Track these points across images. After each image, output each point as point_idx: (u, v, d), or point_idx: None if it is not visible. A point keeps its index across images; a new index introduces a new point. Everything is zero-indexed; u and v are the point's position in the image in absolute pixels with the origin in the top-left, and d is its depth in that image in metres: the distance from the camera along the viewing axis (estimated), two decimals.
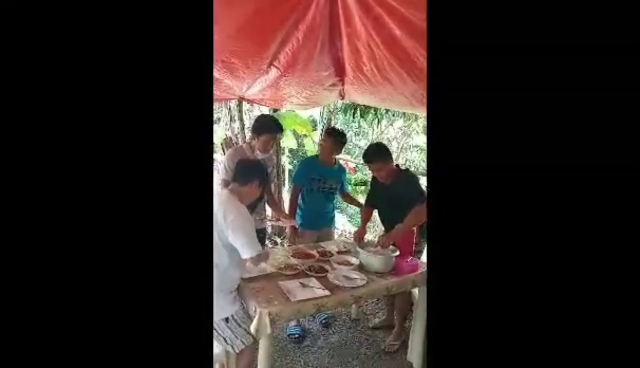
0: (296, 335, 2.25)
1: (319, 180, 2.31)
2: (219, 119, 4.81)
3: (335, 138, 2.32)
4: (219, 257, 1.43)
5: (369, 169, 2.14)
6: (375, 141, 3.50)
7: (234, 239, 1.41)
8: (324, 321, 2.42)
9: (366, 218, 2.32)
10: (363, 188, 4.88)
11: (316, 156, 2.47)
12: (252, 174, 1.57)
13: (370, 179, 2.35)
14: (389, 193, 2.02)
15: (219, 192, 1.62)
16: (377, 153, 2.03)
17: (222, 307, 1.45)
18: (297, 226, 2.32)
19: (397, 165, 2.12)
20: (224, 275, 1.46)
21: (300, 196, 2.36)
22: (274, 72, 2.21)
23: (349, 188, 3.58)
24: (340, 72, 2.39)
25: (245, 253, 1.42)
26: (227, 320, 1.47)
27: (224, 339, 1.47)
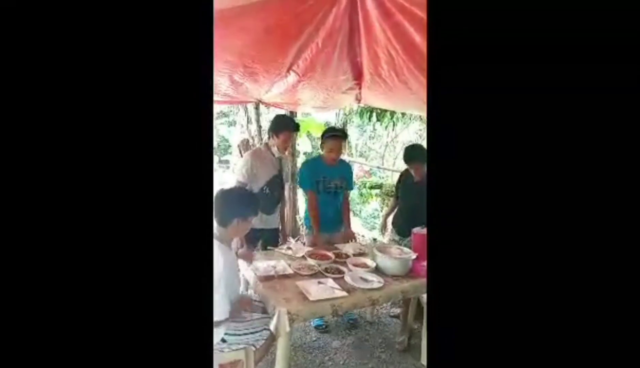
0: (323, 327, 2.37)
1: (324, 180, 2.31)
2: (235, 122, 4.89)
3: (337, 139, 2.28)
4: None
5: (409, 167, 2.30)
6: (413, 143, 3.40)
7: (220, 286, 1.41)
8: (351, 321, 2.46)
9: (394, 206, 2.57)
10: (378, 191, 4.87)
11: (319, 156, 2.44)
12: (230, 213, 1.48)
13: (400, 175, 2.54)
14: (420, 189, 2.21)
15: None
16: (419, 154, 2.21)
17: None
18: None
19: None
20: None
21: (306, 200, 2.40)
22: (292, 77, 2.25)
23: (355, 188, 3.55)
24: (357, 77, 2.41)
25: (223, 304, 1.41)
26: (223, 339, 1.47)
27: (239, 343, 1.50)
